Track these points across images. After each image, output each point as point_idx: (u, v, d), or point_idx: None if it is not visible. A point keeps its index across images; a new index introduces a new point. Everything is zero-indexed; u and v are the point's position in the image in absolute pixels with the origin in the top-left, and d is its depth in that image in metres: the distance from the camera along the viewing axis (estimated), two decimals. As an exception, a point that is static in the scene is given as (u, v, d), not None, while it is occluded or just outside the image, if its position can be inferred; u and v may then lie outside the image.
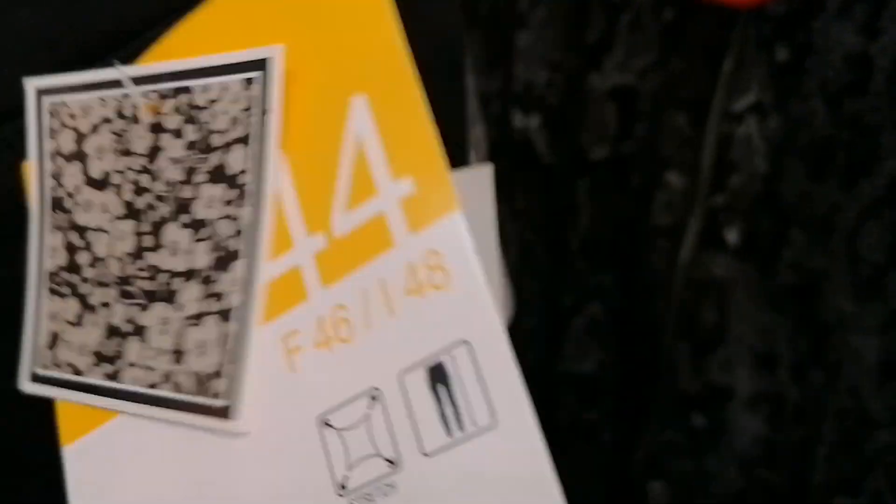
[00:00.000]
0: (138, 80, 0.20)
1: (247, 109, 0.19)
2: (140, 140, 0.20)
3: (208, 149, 0.19)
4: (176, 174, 0.20)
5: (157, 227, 0.20)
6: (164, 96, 0.20)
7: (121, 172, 0.20)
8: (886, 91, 0.29)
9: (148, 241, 0.20)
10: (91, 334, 0.20)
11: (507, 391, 0.16)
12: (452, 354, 0.16)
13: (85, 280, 0.20)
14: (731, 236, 0.36)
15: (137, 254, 0.20)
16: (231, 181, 0.19)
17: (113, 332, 0.20)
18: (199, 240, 0.19)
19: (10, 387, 0.21)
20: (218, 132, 0.19)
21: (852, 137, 0.29)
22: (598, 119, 0.41)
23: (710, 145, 0.35)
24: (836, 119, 0.30)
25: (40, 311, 0.21)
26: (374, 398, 0.17)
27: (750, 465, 0.36)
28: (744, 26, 0.33)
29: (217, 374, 0.18)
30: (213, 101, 0.19)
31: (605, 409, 0.46)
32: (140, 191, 0.20)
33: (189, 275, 0.19)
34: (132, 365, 0.19)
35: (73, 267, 0.21)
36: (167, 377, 0.19)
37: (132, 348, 0.20)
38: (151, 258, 0.20)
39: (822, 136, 0.30)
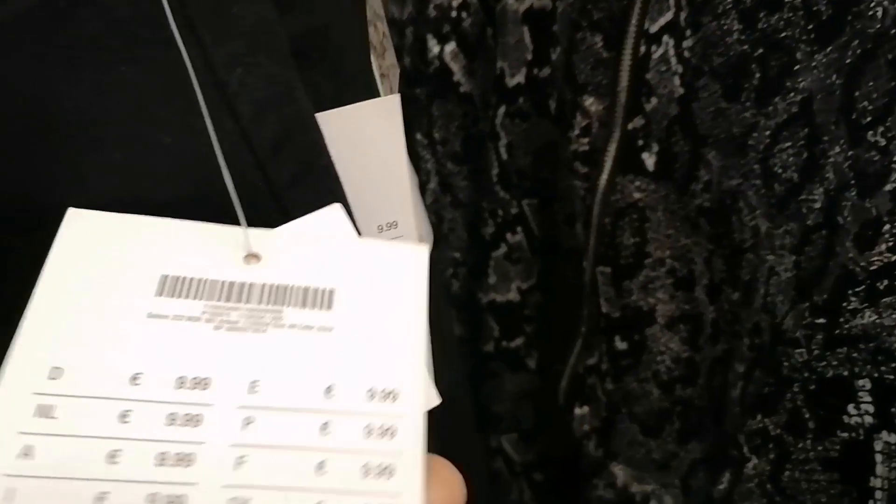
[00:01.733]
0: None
1: None
2: None
3: None
4: None
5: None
6: None
7: None
8: (802, 4, 0.28)
9: None
10: None
11: None
12: None
13: None
14: (649, 160, 0.35)
15: None
16: None
17: None
18: None
19: None
20: None
21: (766, 55, 0.29)
22: (513, 43, 0.40)
23: (627, 68, 0.34)
24: (751, 36, 0.29)
25: None
26: None
27: (671, 385, 0.37)
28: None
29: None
30: None
31: (528, 336, 0.46)
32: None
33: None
34: None
35: None
36: None
37: None
38: None
39: (736, 54, 0.30)
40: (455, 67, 0.43)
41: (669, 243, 0.36)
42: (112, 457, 0.17)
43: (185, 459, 0.17)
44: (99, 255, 0.18)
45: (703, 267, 0.35)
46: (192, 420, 0.17)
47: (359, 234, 0.26)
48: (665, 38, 0.33)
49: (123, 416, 0.17)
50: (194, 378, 0.18)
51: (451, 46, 0.43)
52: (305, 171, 0.24)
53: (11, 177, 0.20)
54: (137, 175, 0.21)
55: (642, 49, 0.34)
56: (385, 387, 0.18)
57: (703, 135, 0.32)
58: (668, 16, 0.33)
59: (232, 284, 0.19)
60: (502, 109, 0.42)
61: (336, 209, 0.22)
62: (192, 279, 0.19)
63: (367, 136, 0.27)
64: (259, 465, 0.17)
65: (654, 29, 0.33)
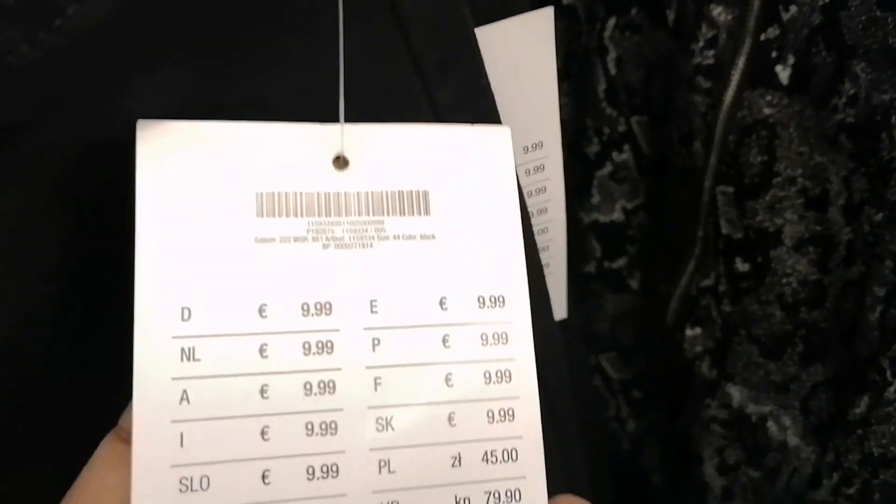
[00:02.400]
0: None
1: None
2: None
3: None
4: None
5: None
6: None
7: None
8: None
9: None
10: None
11: None
12: None
13: None
14: (783, 73, 0.33)
15: None
16: None
17: None
18: None
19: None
20: None
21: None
22: (627, -51, 0.38)
23: (764, -27, 0.32)
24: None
25: None
26: None
27: (796, 307, 0.36)
28: None
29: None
30: None
31: (631, 257, 0.45)
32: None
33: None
34: None
35: None
36: None
37: None
38: None
39: (901, -44, 0.28)
40: (559, -22, 0.41)
41: (801, 161, 0.34)
42: (263, 392, 0.17)
43: (327, 386, 0.17)
44: (188, 174, 0.18)
45: (841, 186, 0.33)
46: (326, 347, 0.18)
47: None
48: (812, -61, 0.31)
49: (262, 351, 0.17)
50: (317, 304, 0.18)
51: (555, -45, 0.41)
52: (467, 92, 0.23)
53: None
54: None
55: (783, -48, 0.32)
56: (493, 293, 0.19)
57: (852, 46, 0.30)
58: (817, -86, 0.30)
59: (328, 196, 0.18)
60: (612, 21, 0.40)
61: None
62: (288, 194, 0.18)
63: (517, 52, 0.25)
64: (395, 384, 0.18)
65: (798, -70, 0.31)
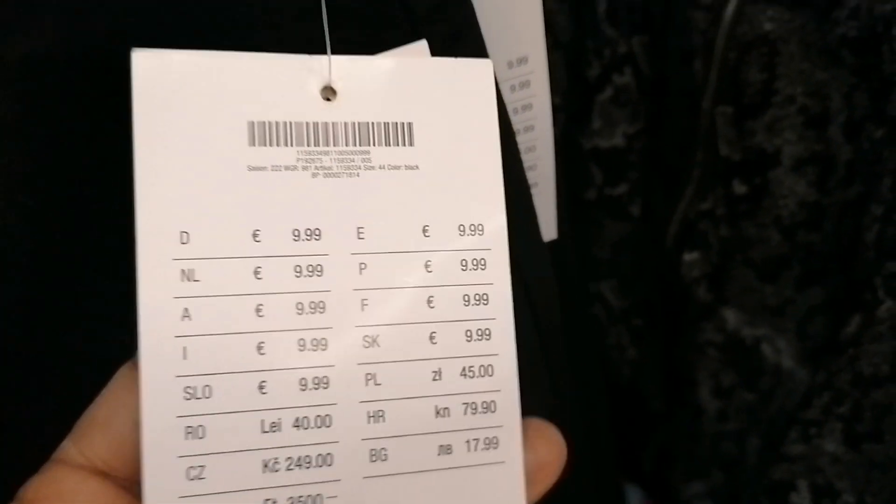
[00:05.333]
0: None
1: None
2: None
3: None
4: None
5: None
6: None
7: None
8: None
9: None
10: None
11: None
12: None
13: None
14: (785, -15, 0.32)
15: None
16: None
17: None
18: None
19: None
20: None
21: None
22: None
23: None
24: None
25: None
26: None
27: (794, 229, 0.36)
28: None
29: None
30: None
31: (633, 183, 0.45)
32: None
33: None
34: None
35: None
36: None
37: None
38: None
39: None
40: None
41: (802, 78, 0.33)
42: (258, 311, 0.18)
43: (318, 306, 0.19)
44: (182, 103, 0.18)
45: (842, 103, 0.32)
46: (316, 270, 0.19)
47: None
48: None
49: (256, 273, 0.18)
50: (307, 229, 0.19)
51: None
52: (443, 2, 0.22)
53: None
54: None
55: None
56: (472, 221, 0.20)
57: (855, -46, 0.29)
58: None
59: (317, 125, 0.19)
60: (612, -63, 0.39)
61: (422, 46, 0.21)
62: (279, 123, 0.19)
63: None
64: (381, 305, 0.19)
65: None
